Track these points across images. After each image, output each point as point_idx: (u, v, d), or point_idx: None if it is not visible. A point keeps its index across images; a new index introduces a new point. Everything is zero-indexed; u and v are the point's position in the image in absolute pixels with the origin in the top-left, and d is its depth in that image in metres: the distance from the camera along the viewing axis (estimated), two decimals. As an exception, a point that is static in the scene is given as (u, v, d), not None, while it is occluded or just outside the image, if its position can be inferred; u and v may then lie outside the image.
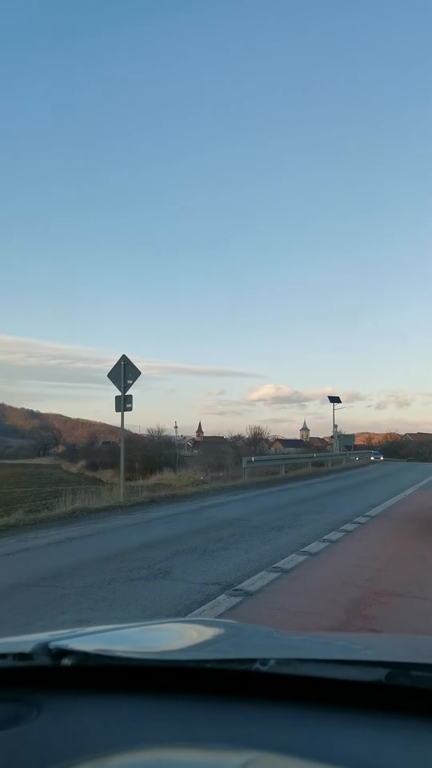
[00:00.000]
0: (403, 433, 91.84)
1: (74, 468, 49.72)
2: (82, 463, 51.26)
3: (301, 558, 6.28)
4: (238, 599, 4.71)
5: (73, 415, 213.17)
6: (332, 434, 43.85)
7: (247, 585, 5.15)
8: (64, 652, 1.07)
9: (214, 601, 4.67)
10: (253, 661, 1.00)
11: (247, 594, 4.87)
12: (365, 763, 0.79)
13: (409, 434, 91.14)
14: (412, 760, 0.82)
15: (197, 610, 4.43)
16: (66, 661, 1.06)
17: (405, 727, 0.90)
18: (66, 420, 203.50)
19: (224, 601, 4.67)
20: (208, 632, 1.45)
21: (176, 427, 61.08)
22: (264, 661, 0.99)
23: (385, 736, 0.88)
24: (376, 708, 0.95)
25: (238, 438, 57.07)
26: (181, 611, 4.43)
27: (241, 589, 4.99)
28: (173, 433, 56.20)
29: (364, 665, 1.02)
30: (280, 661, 1.01)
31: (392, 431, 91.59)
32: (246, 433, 57.55)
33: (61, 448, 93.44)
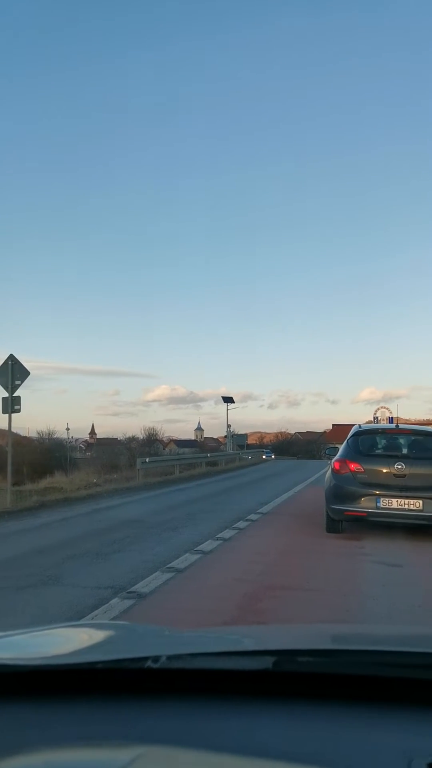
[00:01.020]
0: (293, 432, 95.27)
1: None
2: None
3: (195, 557, 6.35)
4: (131, 602, 4.68)
5: None
6: (226, 434, 44.64)
7: (141, 587, 5.12)
8: None
9: (107, 605, 4.60)
10: (145, 659, 1.01)
11: (141, 596, 4.85)
12: (253, 748, 0.82)
13: (299, 433, 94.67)
14: (298, 742, 0.86)
15: (89, 615, 4.35)
16: None
17: (291, 711, 0.94)
18: None
19: (117, 604, 4.62)
20: (100, 634, 1.43)
21: (68, 429, 59.38)
22: (156, 659, 1.00)
23: (272, 720, 0.92)
24: (266, 695, 0.98)
25: (133, 439, 56.50)
26: (72, 617, 4.33)
27: (134, 591, 4.96)
28: (65, 435, 54.65)
29: (253, 655, 1.05)
30: (171, 657, 1.02)
31: (283, 430, 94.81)
32: (140, 434, 57.14)
33: None
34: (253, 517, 9.56)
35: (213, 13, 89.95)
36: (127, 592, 4.93)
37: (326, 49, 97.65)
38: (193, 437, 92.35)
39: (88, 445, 77.15)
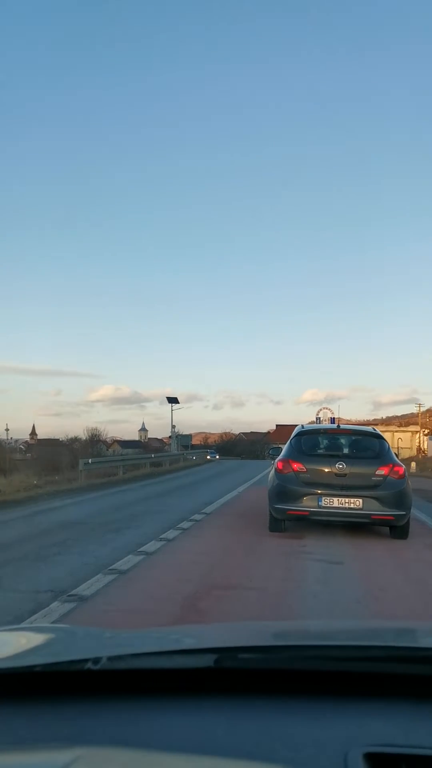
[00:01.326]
0: (237, 432, 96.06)
1: None
2: None
3: (138, 558, 6.29)
4: (72, 605, 4.59)
5: None
6: (170, 434, 44.53)
7: (82, 589, 5.03)
8: None
9: (47, 608, 4.50)
10: (85, 661, 0.99)
11: (82, 599, 4.76)
12: (194, 746, 0.83)
13: (243, 433, 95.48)
14: (238, 737, 0.86)
15: (28, 620, 4.24)
16: None
17: (233, 708, 0.95)
18: None
19: (57, 607, 4.52)
20: (39, 638, 1.40)
21: (7, 429, 58.04)
22: (96, 660, 0.99)
23: (214, 718, 0.92)
24: (208, 693, 0.99)
25: (75, 440, 55.71)
26: (11, 622, 4.21)
27: (75, 594, 4.87)
28: (4, 436, 53.32)
29: (194, 653, 1.06)
30: (112, 658, 1.01)
31: (227, 431, 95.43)
32: (83, 435, 56.41)
33: None
34: (197, 517, 9.56)
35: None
36: (68, 596, 4.83)
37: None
38: (137, 438, 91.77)
39: (29, 446, 75.45)
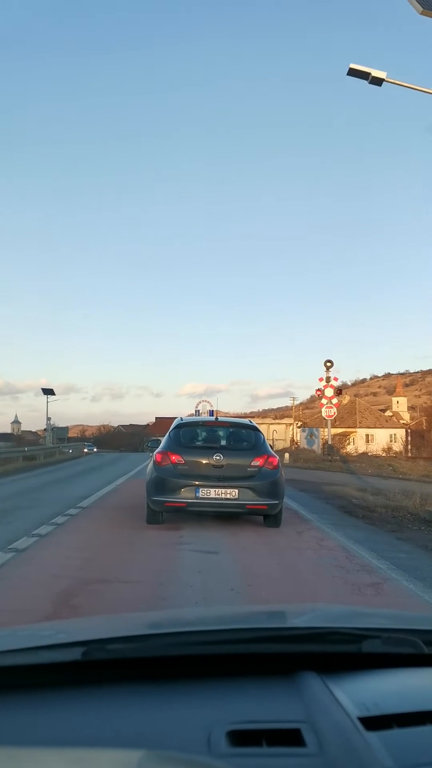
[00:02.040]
0: (116, 425, 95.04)
1: None
2: None
3: (8, 555, 6.03)
4: None
5: None
6: (45, 427, 43.14)
7: None
8: None
9: None
10: None
11: None
12: (62, 739, 0.83)
13: (122, 426, 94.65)
14: (105, 727, 0.87)
15: None
16: None
17: (102, 698, 0.96)
18: None
19: None
20: None
21: None
22: None
23: (82, 709, 0.93)
24: (78, 685, 0.98)
25: None
26: None
27: None
28: None
29: (61, 647, 1.04)
30: None
31: (106, 423, 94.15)
32: None
33: None
34: (72, 511, 9.33)
35: None
36: None
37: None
38: (9, 430, 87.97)
39: None
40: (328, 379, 27.75)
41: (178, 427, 8.32)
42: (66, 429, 49.21)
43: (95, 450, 47.73)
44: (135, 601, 4.63)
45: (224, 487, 7.54)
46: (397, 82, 9.66)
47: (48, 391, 42.52)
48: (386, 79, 9.52)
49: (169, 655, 1.04)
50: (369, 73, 9.49)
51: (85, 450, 42.01)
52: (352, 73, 9.60)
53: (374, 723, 0.86)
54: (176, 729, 0.86)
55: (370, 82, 9.56)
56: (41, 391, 42.76)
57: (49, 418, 42.23)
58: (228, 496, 7.54)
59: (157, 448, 8.21)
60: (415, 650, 1.10)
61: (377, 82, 9.56)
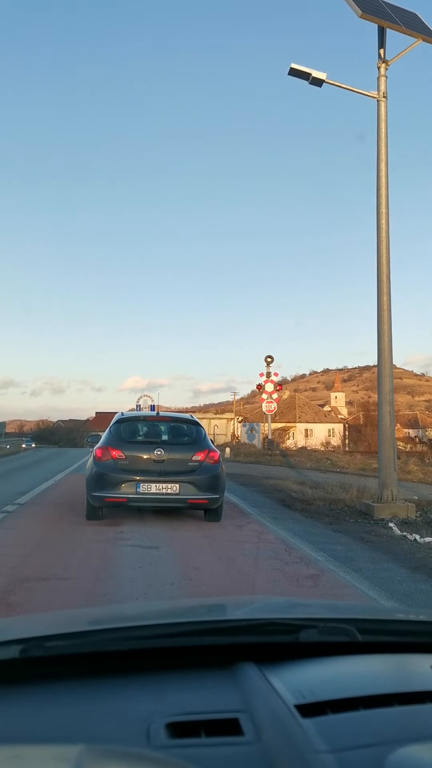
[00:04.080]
0: (55, 420, 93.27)
1: None
2: None
3: None
4: None
5: None
6: (-19, 422, 41.84)
7: None
8: None
9: None
10: None
11: None
12: (3, 736, 0.83)
13: (61, 421, 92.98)
14: (43, 723, 0.87)
15: None
16: None
17: (41, 695, 0.96)
18: None
19: None
20: None
21: None
22: None
23: (18, 707, 0.92)
24: (16, 682, 0.98)
25: None
26: None
27: None
28: None
29: None
30: None
31: (45, 418, 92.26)
32: None
33: None
34: (9, 508, 9.11)
35: None
36: None
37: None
38: None
39: None
40: (268, 375, 28.11)
41: (119, 422, 8.25)
42: (3, 424, 47.90)
43: (33, 445, 46.69)
44: (74, 597, 4.57)
45: (165, 482, 7.53)
46: (336, 83, 9.83)
47: (-16, 385, 41.24)
48: (326, 80, 9.68)
49: (109, 650, 1.04)
50: (310, 74, 9.63)
51: (23, 446, 41.05)
52: (293, 73, 9.72)
53: (310, 710, 0.89)
54: (115, 723, 0.86)
55: (310, 83, 9.70)
56: (-24, 384, 41.50)
57: (-16, 413, 41.00)
58: (169, 491, 7.54)
59: (98, 443, 8.12)
60: (350, 638, 1.14)
61: (317, 83, 9.71)
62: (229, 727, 0.85)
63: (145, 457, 7.64)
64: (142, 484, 7.49)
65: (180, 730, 0.84)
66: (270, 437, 30.90)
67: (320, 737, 0.81)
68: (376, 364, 9.77)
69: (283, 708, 0.88)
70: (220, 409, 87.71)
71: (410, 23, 9.50)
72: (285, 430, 53.20)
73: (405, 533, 7.81)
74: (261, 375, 28.20)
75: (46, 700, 0.93)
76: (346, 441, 49.66)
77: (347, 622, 1.18)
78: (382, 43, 9.68)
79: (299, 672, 1.05)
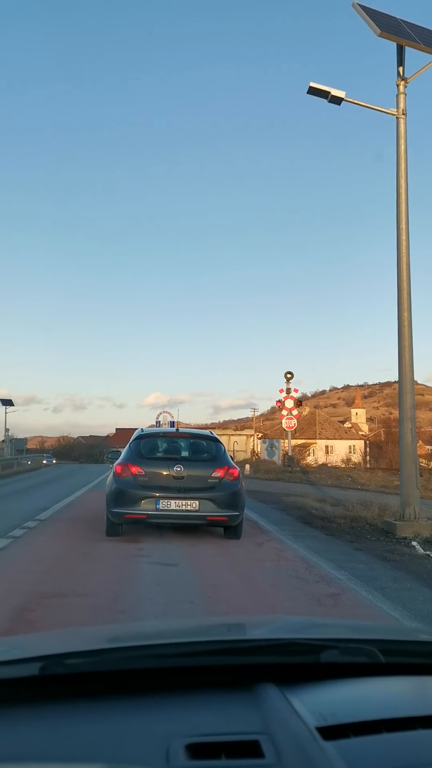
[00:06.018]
0: (75, 436, 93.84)
1: None
2: None
3: (-38, 570, 5.86)
4: None
5: None
6: (3, 438, 42.37)
7: None
8: None
9: None
10: None
11: None
12: (16, 755, 0.82)
13: (82, 437, 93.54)
14: (62, 742, 0.87)
15: None
16: None
17: (60, 714, 0.96)
18: None
19: None
20: None
21: None
22: None
23: (40, 725, 0.93)
24: (37, 701, 0.98)
25: None
26: None
27: None
28: None
29: (19, 663, 1.02)
30: None
31: (65, 434, 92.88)
32: None
33: None
34: (30, 524, 9.15)
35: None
36: None
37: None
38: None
39: None
40: (288, 391, 28.01)
41: (139, 438, 8.26)
42: (24, 440, 48.37)
43: (54, 461, 46.97)
44: (93, 614, 4.55)
45: (185, 498, 7.51)
46: (355, 101, 9.89)
47: (7, 402, 41.84)
48: (345, 98, 9.74)
49: (128, 668, 1.03)
50: (329, 92, 9.70)
51: (44, 462, 41.32)
52: (312, 91, 9.80)
53: (331, 732, 0.87)
54: (135, 743, 0.85)
55: (329, 101, 9.77)
56: (0, 402, 42.03)
57: (7, 430, 41.59)
58: (188, 507, 7.51)
59: (117, 459, 8.14)
60: (372, 660, 1.12)
61: (336, 101, 9.78)
62: (249, 749, 0.83)
63: (164, 473, 7.63)
64: (161, 501, 7.48)
65: (199, 751, 0.82)
66: (290, 454, 30.70)
67: (342, 761, 0.80)
68: (397, 380, 9.69)
69: (304, 730, 0.86)
70: (240, 425, 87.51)
71: (429, 41, 9.53)
72: (305, 446, 52.85)
73: (428, 552, 7.67)
74: (281, 391, 28.11)
75: (65, 719, 0.92)
76: (367, 458, 49.17)
77: (369, 643, 1.15)
78: (401, 61, 9.73)
79: (321, 693, 1.03)
